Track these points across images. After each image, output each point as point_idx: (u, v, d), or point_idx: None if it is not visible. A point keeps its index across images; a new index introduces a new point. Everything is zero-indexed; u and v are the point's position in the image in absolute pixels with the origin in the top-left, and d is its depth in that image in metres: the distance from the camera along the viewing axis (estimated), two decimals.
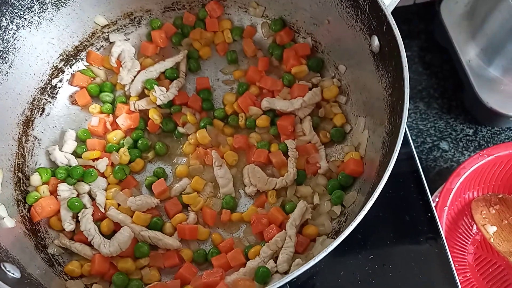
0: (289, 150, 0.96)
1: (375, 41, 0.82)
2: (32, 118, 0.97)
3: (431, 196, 1.09)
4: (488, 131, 1.28)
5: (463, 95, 1.29)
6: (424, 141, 1.28)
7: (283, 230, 0.87)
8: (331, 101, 1.00)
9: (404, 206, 0.99)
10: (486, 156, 1.08)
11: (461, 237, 1.14)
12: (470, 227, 1.14)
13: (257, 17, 1.08)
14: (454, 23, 1.27)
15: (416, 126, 1.29)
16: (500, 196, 1.13)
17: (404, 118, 0.70)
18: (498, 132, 1.28)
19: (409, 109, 1.27)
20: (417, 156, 1.22)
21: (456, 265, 1.10)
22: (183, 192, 0.95)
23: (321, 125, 0.99)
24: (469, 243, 1.14)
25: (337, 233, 0.87)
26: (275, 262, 0.84)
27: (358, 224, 0.81)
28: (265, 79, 1.02)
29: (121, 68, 1.03)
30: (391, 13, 0.78)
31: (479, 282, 1.09)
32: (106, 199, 0.93)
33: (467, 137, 1.28)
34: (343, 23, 0.90)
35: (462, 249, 1.13)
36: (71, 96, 1.03)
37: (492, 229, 1.09)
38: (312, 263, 0.68)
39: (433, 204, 0.99)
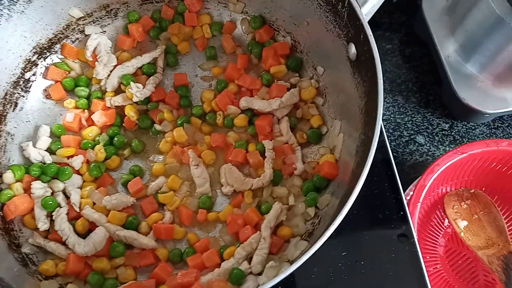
0: (266, 151, 0.96)
1: (352, 49, 0.82)
2: (5, 113, 0.95)
3: (405, 189, 1.12)
4: (464, 126, 1.30)
5: (441, 90, 1.30)
6: (401, 135, 1.29)
7: (258, 231, 0.88)
8: (309, 102, 1.00)
9: (378, 204, 1.01)
10: (459, 153, 1.10)
11: (433, 230, 1.17)
12: (442, 221, 1.17)
13: (237, 13, 1.06)
14: (435, 17, 1.27)
15: (394, 119, 1.30)
16: (472, 191, 1.15)
17: (377, 132, 0.70)
18: (473, 128, 1.30)
19: (387, 103, 1.31)
20: (394, 149, 1.25)
21: (427, 257, 1.13)
22: (159, 191, 0.95)
23: (298, 126, 1.00)
24: (440, 235, 1.17)
25: (310, 234, 0.89)
26: (249, 263, 0.85)
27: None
28: (244, 78, 1.02)
29: (97, 62, 1.01)
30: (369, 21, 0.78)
31: (448, 273, 1.13)
32: (81, 198, 0.92)
33: (443, 132, 1.30)
34: (321, 26, 0.90)
35: (433, 241, 1.16)
36: (45, 90, 1.01)
37: (463, 223, 1.12)
38: (290, 270, 0.69)
39: (405, 201, 1.01)
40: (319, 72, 0.99)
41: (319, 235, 0.78)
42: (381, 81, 0.73)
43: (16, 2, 0.91)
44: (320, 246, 0.94)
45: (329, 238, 0.95)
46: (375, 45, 0.75)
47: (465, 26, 1.18)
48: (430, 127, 1.30)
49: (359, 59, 0.81)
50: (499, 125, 1.30)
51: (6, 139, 0.95)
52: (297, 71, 1.03)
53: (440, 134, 1.29)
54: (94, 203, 0.93)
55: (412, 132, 1.29)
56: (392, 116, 1.30)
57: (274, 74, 1.01)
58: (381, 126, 0.72)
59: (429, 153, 1.28)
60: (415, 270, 0.95)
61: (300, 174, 0.95)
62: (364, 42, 0.77)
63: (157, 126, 1.00)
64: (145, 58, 1.02)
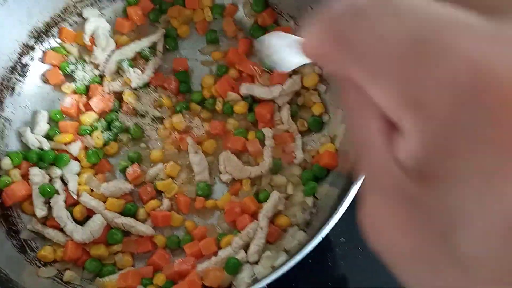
0: (265, 139, 0.95)
1: None
2: (2, 99, 0.94)
3: None
4: None
5: None
6: None
7: (255, 220, 0.87)
8: (311, 89, 0.98)
9: None
10: None
11: None
12: None
13: None
14: None
15: None
16: None
17: None
18: None
19: None
20: None
21: None
22: (157, 178, 0.95)
23: (299, 114, 0.98)
24: None
25: (307, 224, 0.88)
26: (246, 253, 0.85)
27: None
28: (245, 63, 0.99)
29: (95, 46, 0.99)
30: None
31: None
32: (79, 184, 0.92)
33: None
34: None
35: None
36: (43, 74, 0.99)
37: None
38: (292, 262, 0.69)
39: None
40: None
41: (317, 227, 0.78)
42: None
43: None
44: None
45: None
46: None
47: None
48: None
49: None
50: None
51: (3, 125, 0.94)
52: None
53: None
54: (92, 190, 0.92)
55: None
56: None
57: None
58: None
59: None
60: None
61: (299, 163, 0.94)
62: None
63: (156, 112, 0.98)
64: (144, 42, 1.00)
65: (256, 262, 0.84)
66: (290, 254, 0.81)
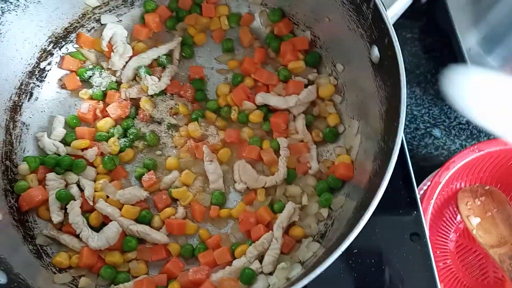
0: (281, 149, 0.95)
1: (375, 52, 0.80)
2: (20, 103, 0.95)
3: (419, 183, 1.10)
4: None
5: None
6: (417, 127, 1.27)
7: (270, 231, 0.88)
8: (326, 100, 0.98)
9: (391, 202, 0.99)
10: (477, 151, 1.08)
11: (445, 225, 1.16)
12: (455, 216, 1.16)
13: (256, 4, 1.04)
14: (458, 7, 1.23)
15: (411, 111, 1.28)
16: (487, 188, 1.14)
17: (398, 143, 0.69)
18: None
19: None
20: (409, 141, 1.23)
21: (438, 252, 1.13)
22: (172, 185, 0.95)
23: (314, 124, 0.98)
24: (452, 230, 1.17)
25: (322, 236, 0.89)
26: (261, 263, 0.85)
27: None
28: (260, 72, 1.00)
29: (112, 53, 1.00)
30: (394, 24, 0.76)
31: (458, 269, 1.13)
32: (95, 191, 0.92)
33: (460, 125, 1.28)
34: (344, 24, 0.87)
35: (444, 236, 1.16)
36: (60, 79, 1.00)
37: (475, 220, 1.11)
38: (312, 276, 0.69)
39: (419, 197, 1.00)
40: (338, 69, 0.97)
41: (334, 240, 0.78)
42: (405, 89, 0.71)
43: None
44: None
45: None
46: (400, 51, 0.73)
47: (490, 18, 1.15)
48: (447, 120, 1.28)
49: (382, 63, 0.79)
50: None
51: (21, 130, 0.95)
52: (315, 67, 1.00)
53: (457, 127, 1.27)
54: (107, 196, 0.93)
55: (428, 124, 1.27)
56: (408, 108, 1.28)
57: (292, 70, 0.99)
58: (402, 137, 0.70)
59: (445, 146, 1.26)
60: (426, 270, 0.95)
61: (314, 174, 0.94)
62: (388, 47, 0.75)
63: (172, 120, 0.99)
64: (161, 50, 1.01)
65: (271, 273, 0.85)
66: (305, 266, 0.82)
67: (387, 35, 0.74)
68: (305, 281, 0.67)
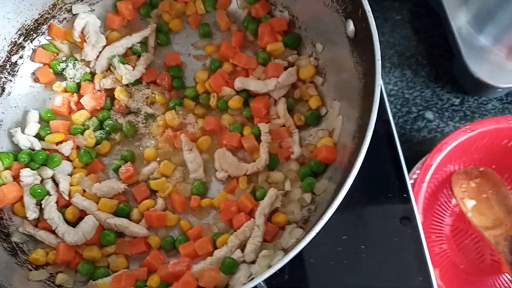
0: (262, 134, 0.92)
1: (350, 26, 0.77)
2: None
3: (412, 168, 1.08)
4: (475, 101, 1.25)
5: (452, 64, 1.24)
6: (409, 111, 1.24)
7: (252, 218, 0.85)
8: (307, 82, 0.95)
9: (380, 185, 0.97)
10: (469, 131, 1.05)
11: (440, 209, 1.14)
12: (450, 199, 1.14)
13: None
14: None
15: (402, 95, 1.25)
16: (481, 169, 1.11)
17: (372, 118, 0.66)
18: (485, 102, 1.25)
19: (395, 77, 1.26)
20: (401, 125, 1.20)
21: (433, 237, 1.11)
22: (151, 176, 0.92)
23: (296, 107, 0.95)
24: (447, 215, 1.14)
25: (306, 221, 0.86)
26: (243, 252, 0.82)
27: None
28: (239, 56, 0.97)
29: (85, 43, 0.97)
30: None
31: (454, 253, 1.11)
32: (71, 185, 0.90)
33: (453, 107, 1.25)
34: (320, 0, 0.84)
35: (440, 220, 1.13)
36: (33, 73, 0.97)
37: (470, 203, 1.09)
38: (284, 261, 0.67)
39: (409, 182, 0.98)
40: (318, 49, 0.93)
41: (315, 222, 0.75)
42: (379, 62, 0.68)
43: None
44: (320, 230, 0.93)
45: (328, 221, 0.93)
46: (374, 23, 0.70)
47: None
48: (439, 102, 1.25)
49: (358, 37, 0.76)
50: None
51: None
52: (295, 49, 0.97)
53: (450, 109, 1.24)
54: (84, 190, 0.90)
55: (420, 107, 1.24)
56: (400, 91, 1.25)
57: (271, 52, 0.96)
58: (379, 107, 0.66)
59: (438, 129, 1.23)
60: (418, 254, 0.92)
61: (297, 158, 0.91)
62: (362, 19, 0.72)
63: (148, 109, 0.96)
64: (135, 38, 0.98)
65: (253, 262, 0.82)
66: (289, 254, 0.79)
67: (361, 7, 0.71)
68: (279, 265, 0.63)
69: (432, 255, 1.02)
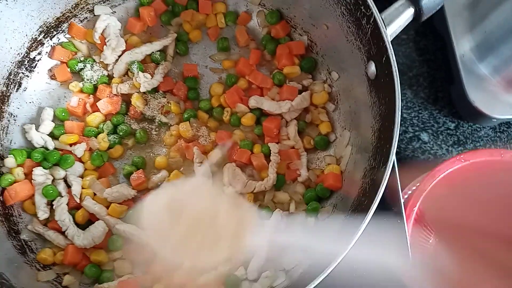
0: (271, 154, 0.95)
1: (372, 67, 0.79)
2: (8, 94, 0.92)
3: (403, 188, 1.11)
4: (469, 127, 1.28)
5: (451, 88, 1.28)
6: (406, 131, 1.27)
7: None
8: (320, 107, 0.97)
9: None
10: (462, 161, 1.09)
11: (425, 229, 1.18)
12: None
13: (254, 4, 1.02)
14: (455, 12, 1.23)
15: (401, 114, 1.28)
16: None
17: (389, 167, 0.69)
18: (478, 129, 1.28)
19: None
20: (398, 145, 1.23)
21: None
22: (160, 184, 0.94)
23: (306, 131, 0.98)
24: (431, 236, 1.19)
25: None
26: (245, 270, 0.86)
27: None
28: (255, 74, 0.99)
29: (105, 46, 0.97)
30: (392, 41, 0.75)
31: None
32: (82, 188, 0.91)
33: (448, 131, 1.29)
34: (342, 34, 0.86)
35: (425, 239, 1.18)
36: (50, 70, 0.97)
37: None
38: None
39: (403, 207, 1.01)
40: (333, 77, 0.96)
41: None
42: (399, 112, 0.71)
43: None
44: None
45: None
46: (397, 72, 0.72)
47: (485, 25, 1.15)
48: (435, 124, 1.28)
49: (378, 80, 0.79)
50: (505, 129, 1.28)
51: (8, 121, 0.92)
52: (310, 73, 1.00)
53: (444, 133, 1.28)
54: (94, 194, 0.92)
55: (417, 128, 1.27)
56: None
57: (287, 75, 0.98)
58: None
59: (432, 151, 1.27)
60: None
61: (303, 181, 0.94)
62: (385, 65, 0.74)
63: (163, 118, 0.97)
64: (156, 46, 0.98)
65: (255, 280, 0.85)
66: (289, 276, 0.83)
67: (385, 53, 0.74)
68: None
69: None
